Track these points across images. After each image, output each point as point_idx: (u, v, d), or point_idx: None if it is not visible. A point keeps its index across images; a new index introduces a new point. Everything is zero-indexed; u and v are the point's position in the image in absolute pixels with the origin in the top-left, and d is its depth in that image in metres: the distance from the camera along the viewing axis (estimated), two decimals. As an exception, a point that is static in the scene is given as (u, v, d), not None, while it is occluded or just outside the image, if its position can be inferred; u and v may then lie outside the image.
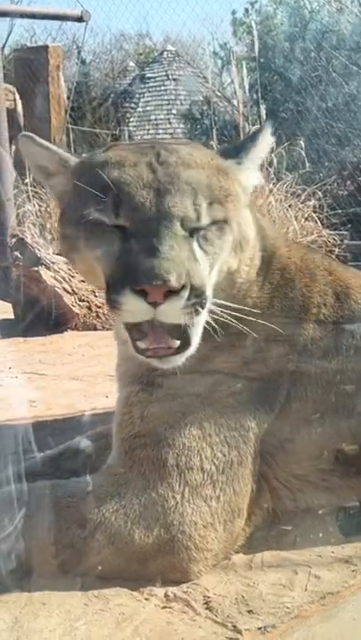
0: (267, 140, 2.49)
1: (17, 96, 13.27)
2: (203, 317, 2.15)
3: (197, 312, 2.08)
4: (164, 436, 2.28)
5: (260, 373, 2.38)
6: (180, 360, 2.16)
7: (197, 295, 2.06)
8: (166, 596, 2.11)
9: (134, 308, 2.04)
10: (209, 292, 2.15)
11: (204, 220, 2.16)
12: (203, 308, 2.10)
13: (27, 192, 11.89)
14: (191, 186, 2.17)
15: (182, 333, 2.12)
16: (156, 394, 2.37)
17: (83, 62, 28.02)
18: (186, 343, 2.13)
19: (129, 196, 2.13)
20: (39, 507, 2.21)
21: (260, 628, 1.96)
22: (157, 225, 2.08)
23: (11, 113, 12.70)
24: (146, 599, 2.09)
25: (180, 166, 2.21)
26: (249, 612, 2.03)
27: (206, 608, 2.06)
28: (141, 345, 2.14)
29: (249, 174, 2.45)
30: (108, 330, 6.24)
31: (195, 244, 2.14)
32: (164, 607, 2.07)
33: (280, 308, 2.45)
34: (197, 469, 2.23)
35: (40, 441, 3.28)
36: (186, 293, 2.02)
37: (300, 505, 2.40)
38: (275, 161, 9.75)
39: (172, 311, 2.03)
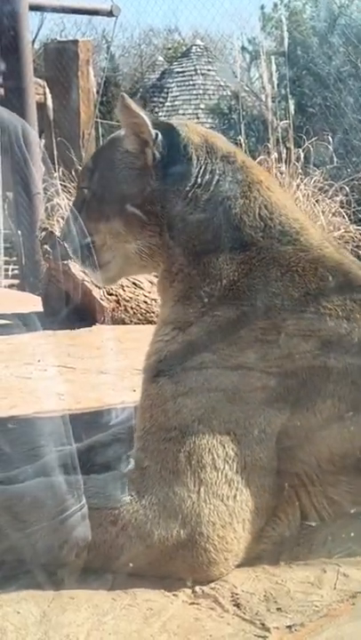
0: None
1: (47, 90, 13.30)
2: None
3: None
4: (178, 433, 2.26)
5: (282, 368, 2.34)
6: None
7: None
8: (194, 592, 2.10)
9: None
10: None
11: None
12: None
13: (56, 186, 11.94)
14: None
15: None
16: (170, 390, 2.36)
17: (112, 57, 28.06)
18: None
19: None
20: (56, 507, 2.20)
21: (288, 627, 1.95)
22: None
23: (40, 107, 12.74)
24: (174, 595, 2.09)
25: None
26: (277, 609, 2.02)
27: (234, 605, 2.05)
28: None
29: None
30: (136, 324, 6.25)
31: None
32: (192, 603, 2.06)
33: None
34: (211, 467, 2.21)
35: (69, 434, 3.30)
36: None
37: (330, 503, 2.36)
38: (302, 156, 9.73)
39: None
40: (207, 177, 2.55)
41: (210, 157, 2.58)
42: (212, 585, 2.13)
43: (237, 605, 2.04)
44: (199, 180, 2.55)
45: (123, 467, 2.34)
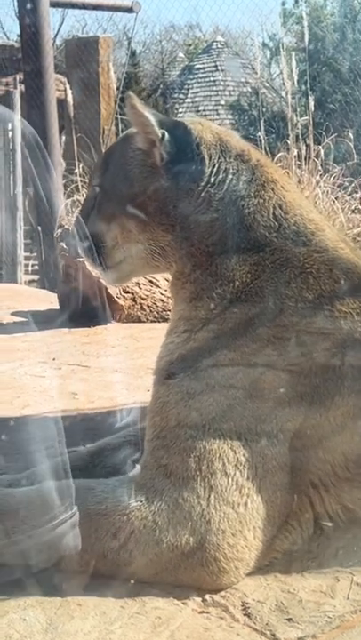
0: None
1: (67, 86, 13.31)
2: None
3: None
4: (187, 438, 2.22)
5: (295, 372, 2.28)
6: None
7: None
8: (204, 600, 2.05)
9: None
10: None
11: None
12: None
13: (76, 182, 11.94)
14: None
15: None
16: (180, 392, 2.31)
17: (133, 53, 28.09)
18: None
19: None
20: (65, 512, 2.17)
21: (300, 638, 1.90)
22: None
23: (61, 103, 12.75)
24: (183, 603, 2.04)
25: None
26: (288, 620, 1.97)
27: (245, 614, 2.00)
28: None
29: None
30: (152, 322, 6.21)
31: None
32: (202, 612, 2.01)
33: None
34: (222, 473, 2.15)
35: (81, 435, 3.26)
36: None
37: (344, 510, 2.30)
38: (322, 152, 9.68)
39: None
40: (220, 176, 2.49)
41: (223, 156, 2.53)
42: (222, 593, 2.08)
43: (248, 615, 1.99)
44: (212, 179, 2.50)
45: (132, 471, 2.30)
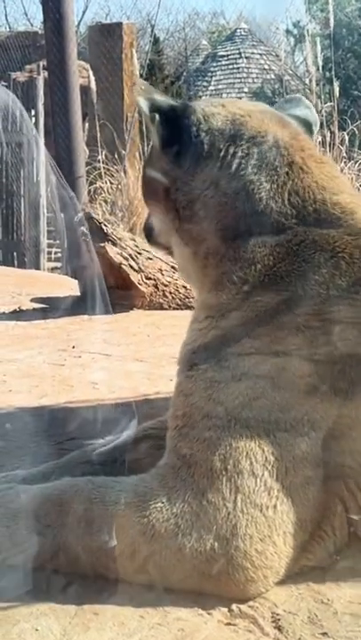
0: None
1: (90, 73, 13.29)
2: None
3: None
4: (212, 434, 2.05)
5: (328, 362, 2.10)
6: None
7: None
8: (230, 611, 1.89)
9: None
10: None
11: None
12: None
13: (99, 169, 11.85)
14: None
15: None
16: (203, 385, 2.15)
17: (156, 40, 28.01)
18: None
19: None
20: (82, 512, 2.02)
21: (336, 656, 1.73)
22: None
23: (84, 89, 12.69)
24: (208, 614, 1.87)
25: None
26: (323, 634, 1.80)
27: (275, 627, 1.83)
28: None
29: None
30: (174, 309, 6.08)
31: None
32: (228, 624, 1.84)
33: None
34: (249, 473, 1.98)
35: (101, 427, 3.13)
36: None
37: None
38: (346, 139, 9.56)
39: None
40: (226, 160, 2.35)
41: (232, 139, 2.37)
42: (251, 603, 1.91)
43: (278, 628, 1.82)
44: (218, 163, 2.36)
45: (153, 468, 2.14)
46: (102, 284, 5.46)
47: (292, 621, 1.85)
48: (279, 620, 1.85)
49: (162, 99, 2.46)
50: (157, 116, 2.40)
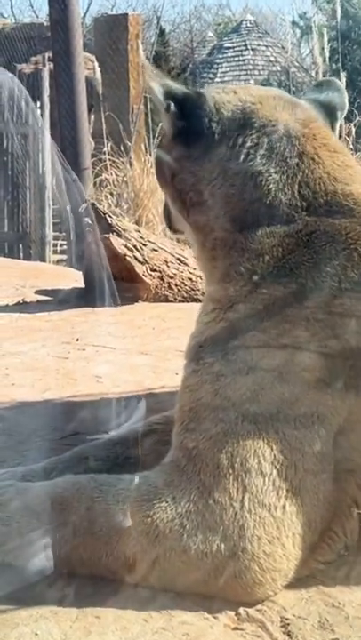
0: None
1: (96, 64, 13.25)
2: None
3: None
4: (219, 431, 1.98)
5: (339, 356, 2.02)
6: None
7: None
8: (237, 614, 1.81)
9: None
10: None
11: None
12: None
13: (104, 161, 11.79)
14: None
15: None
16: (210, 379, 2.08)
17: (162, 32, 27.94)
18: None
19: None
20: (84, 511, 1.95)
21: (348, 663, 1.66)
22: None
23: (90, 81, 12.65)
24: (214, 617, 1.80)
25: None
26: (335, 640, 1.73)
27: (284, 632, 1.75)
28: None
29: None
30: (180, 302, 6.01)
31: None
32: (235, 628, 1.77)
33: None
34: (257, 472, 1.91)
35: (104, 421, 3.06)
36: None
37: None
38: (353, 131, 9.52)
39: None
40: (235, 150, 2.28)
41: (241, 128, 2.29)
42: (259, 607, 1.84)
43: (288, 634, 1.75)
44: (227, 153, 2.29)
45: (157, 466, 2.07)
46: (110, 276, 5.41)
47: (301, 626, 1.78)
48: (288, 624, 1.78)
49: (176, 86, 2.39)
50: (172, 104, 2.33)
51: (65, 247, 13.24)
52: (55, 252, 13.47)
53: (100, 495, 1.97)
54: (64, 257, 13.25)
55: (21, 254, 13.31)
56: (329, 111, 2.55)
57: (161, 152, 2.50)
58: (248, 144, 2.27)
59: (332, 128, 2.52)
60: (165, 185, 2.51)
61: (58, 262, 12.71)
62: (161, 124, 2.69)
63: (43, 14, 29.68)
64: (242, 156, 2.26)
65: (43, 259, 12.67)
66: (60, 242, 13.72)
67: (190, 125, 2.34)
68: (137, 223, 10.71)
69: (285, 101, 2.39)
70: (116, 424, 2.89)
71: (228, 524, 1.86)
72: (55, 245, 13.53)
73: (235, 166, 2.26)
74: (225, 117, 2.32)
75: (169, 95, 2.34)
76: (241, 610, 1.82)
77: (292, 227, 2.16)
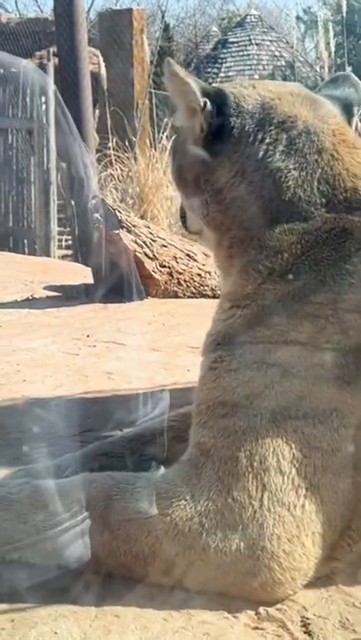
0: None
1: (101, 59, 13.23)
2: None
3: None
4: (237, 429, 1.96)
5: (356, 349, 2.01)
6: None
7: None
8: (258, 614, 1.80)
9: None
10: None
11: None
12: None
13: (109, 156, 11.78)
14: None
15: None
16: (228, 378, 2.06)
17: (166, 27, 27.89)
18: None
19: None
20: (101, 510, 1.94)
21: (371, 663, 1.65)
22: None
23: (95, 76, 12.64)
24: (234, 617, 1.79)
25: None
26: (356, 640, 1.72)
27: (305, 632, 1.74)
28: None
29: None
30: (189, 297, 6.00)
31: None
32: (255, 628, 1.76)
33: None
34: (276, 470, 1.90)
35: (117, 418, 3.06)
36: None
37: None
38: (359, 125, 9.48)
39: None
40: (255, 147, 2.25)
41: (261, 124, 2.26)
42: (279, 606, 1.83)
43: (309, 633, 1.74)
44: (246, 150, 2.26)
45: (175, 463, 2.06)
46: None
47: (322, 626, 1.77)
48: (309, 624, 1.77)
49: (207, 84, 2.37)
50: (208, 102, 2.30)
51: (70, 242, 13.23)
52: (60, 247, 13.45)
53: (118, 493, 1.96)
54: (69, 252, 13.24)
55: (26, 249, 13.30)
56: (345, 107, 2.52)
57: (181, 151, 2.45)
58: (267, 140, 2.24)
59: (349, 124, 2.50)
60: (183, 184, 2.46)
61: (62, 257, 12.69)
62: (171, 121, 2.66)
63: (47, 9, 29.65)
64: (261, 153, 2.23)
65: (47, 254, 12.65)
66: (64, 237, 13.70)
67: (220, 123, 2.31)
68: (142, 218, 10.69)
69: (304, 97, 2.36)
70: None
71: (248, 522, 1.85)
72: (60, 240, 13.51)
73: (254, 163, 2.24)
74: (245, 113, 2.29)
75: (204, 93, 2.31)
76: (261, 609, 1.81)
77: (311, 224, 2.14)
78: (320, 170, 2.20)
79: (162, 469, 2.05)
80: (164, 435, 2.54)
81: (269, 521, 1.84)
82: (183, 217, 2.62)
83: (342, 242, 2.10)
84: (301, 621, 1.78)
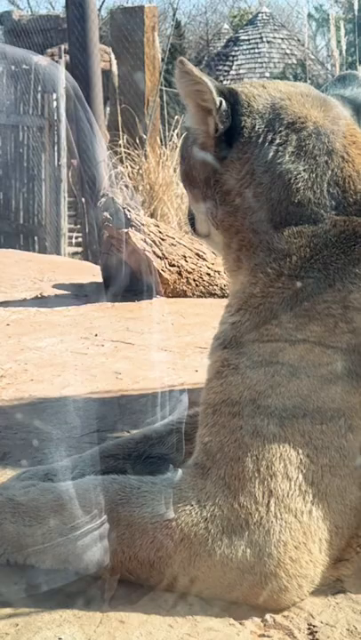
0: None
1: (112, 57, 13.21)
2: None
3: None
4: (244, 434, 1.94)
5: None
6: None
7: None
8: (264, 621, 1.79)
9: None
10: None
11: None
12: None
13: (120, 154, 11.77)
14: None
15: None
16: (235, 382, 2.03)
17: (177, 24, 27.86)
18: None
19: None
20: (107, 514, 1.92)
21: (378, 672, 1.63)
22: None
23: (106, 73, 12.63)
24: (240, 624, 1.77)
25: None
26: (363, 648, 1.70)
27: (312, 639, 1.73)
28: None
29: None
30: (198, 297, 5.97)
31: None
32: (262, 635, 1.75)
33: None
34: (283, 476, 1.88)
35: (125, 419, 3.04)
36: None
37: None
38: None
39: None
40: (264, 148, 2.22)
41: (271, 125, 2.23)
42: (285, 613, 1.81)
43: (316, 641, 1.73)
44: (256, 150, 2.22)
45: (182, 467, 2.04)
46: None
47: (330, 634, 1.75)
48: (316, 632, 1.76)
49: (221, 84, 2.34)
50: (224, 102, 2.27)
51: (80, 240, 13.23)
52: (70, 245, 13.45)
53: (123, 498, 1.94)
54: (79, 249, 13.23)
55: (37, 246, 13.30)
56: (355, 107, 2.49)
57: (191, 152, 2.41)
58: (277, 141, 2.21)
59: (359, 124, 2.47)
60: (192, 185, 2.43)
61: (73, 255, 12.69)
62: (183, 120, 2.62)
63: (59, 6, 29.65)
64: (270, 154, 2.21)
65: (58, 251, 12.65)
66: (75, 234, 13.70)
67: (235, 123, 2.27)
68: (152, 216, 10.68)
69: (314, 98, 2.33)
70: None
71: (254, 528, 1.83)
72: (70, 238, 13.51)
73: (263, 164, 2.21)
74: (255, 113, 2.26)
75: (219, 92, 2.28)
76: (267, 616, 1.80)
77: (321, 226, 2.12)
78: (330, 172, 2.18)
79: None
80: (170, 437, 2.53)
81: (276, 527, 1.83)
82: (191, 219, 2.58)
83: (352, 245, 2.08)
84: (308, 629, 1.77)
